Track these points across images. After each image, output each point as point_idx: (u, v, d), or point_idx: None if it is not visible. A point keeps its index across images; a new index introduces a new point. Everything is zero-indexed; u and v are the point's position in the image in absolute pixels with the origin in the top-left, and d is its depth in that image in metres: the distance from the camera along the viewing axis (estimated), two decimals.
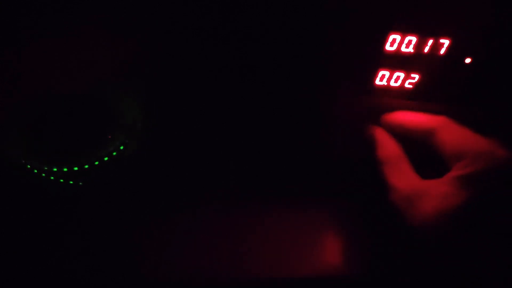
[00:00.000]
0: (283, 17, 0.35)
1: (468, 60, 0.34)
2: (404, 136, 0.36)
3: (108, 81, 0.44)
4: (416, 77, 0.36)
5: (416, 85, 0.36)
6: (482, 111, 0.36)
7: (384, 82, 0.36)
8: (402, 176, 0.33)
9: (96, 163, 0.41)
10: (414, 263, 0.36)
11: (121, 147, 0.43)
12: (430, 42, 0.34)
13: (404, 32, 0.33)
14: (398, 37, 0.34)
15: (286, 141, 0.44)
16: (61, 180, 0.41)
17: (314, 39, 0.36)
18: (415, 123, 0.35)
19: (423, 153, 0.34)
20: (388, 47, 0.34)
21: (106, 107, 0.44)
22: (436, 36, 0.33)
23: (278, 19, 0.35)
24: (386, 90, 0.36)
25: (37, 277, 0.37)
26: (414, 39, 0.34)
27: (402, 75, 0.36)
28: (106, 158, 0.42)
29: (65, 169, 0.40)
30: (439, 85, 0.36)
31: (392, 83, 0.36)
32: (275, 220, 0.42)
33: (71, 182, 0.41)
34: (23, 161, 0.40)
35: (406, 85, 0.36)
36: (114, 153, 0.42)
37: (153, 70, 0.43)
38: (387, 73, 0.36)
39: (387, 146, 0.36)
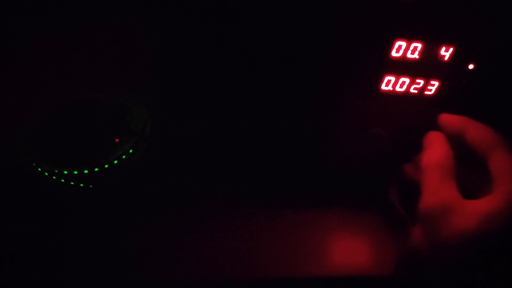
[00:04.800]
0: (290, 22, 0.36)
1: (471, 66, 0.35)
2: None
3: (117, 86, 0.45)
4: (421, 82, 0.37)
5: (421, 90, 0.37)
6: (485, 115, 0.37)
7: (389, 87, 0.37)
8: (440, 188, 0.31)
9: (106, 166, 0.42)
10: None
11: (130, 151, 0.43)
12: (435, 48, 0.35)
13: (409, 39, 0.34)
14: (403, 44, 0.35)
15: (290, 143, 0.45)
16: (72, 183, 0.42)
17: (320, 44, 0.36)
18: (476, 140, 0.32)
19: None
20: (394, 53, 0.35)
21: (115, 111, 0.45)
22: (441, 43, 0.34)
23: (285, 24, 0.36)
24: (392, 95, 0.37)
25: (45, 278, 0.37)
26: (419, 45, 0.35)
27: (407, 80, 0.37)
28: (115, 161, 0.42)
29: (76, 172, 0.41)
30: (444, 90, 0.37)
31: (397, 88, 0.37)
32: (276, 221, 0.43)
33: (82, 185, 0.42)
34: (34, 164, 0.41)
35: (412, 90, 0.37)
36: (124, 157, 0.43)
37: (161, 76, 0.44)
38: (392, 79, 0.36)
39: (435, 152, 0.33)
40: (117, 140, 0.44)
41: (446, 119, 0.35)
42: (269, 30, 0.37)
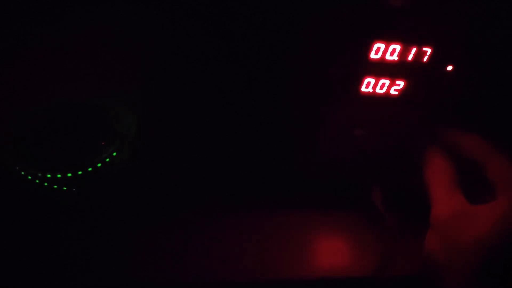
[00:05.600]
0: (268, 27, 0.36)
1: (450, 68, 0.35)
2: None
3: (102, 88, 0.45)
4: (401, 84, 0.37)
5: (401, 91, 0.37)
6: (464, 117, 0.38)
7: (369, 89, 0.37)
8: (448, 197, 0.33)
9: (90, 169, 0.42)
10: None
11: (114, 154, 0.43)
12: (414, 50, 0.35)
13: (388, 41, 0.35)
14: (382, 46, 0.35)
15: (276, 147, 0.45)
16: (55, 186, 0.42)
17: (299, 46, 0.37)
18: (471, 151, 0.34)
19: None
20: (373, 55, 0.35)
21: (100, 114, 0.45)
22: (419, 44, 0.35)
23: (265, 29, 0.37)
24: (372, 97, 0.37)
25: (28, 283, 0.37)
26: (398, 47, 0.35)
27: (387, 82, 0.37)
28: (99, 165, 0.42)
29: (59, 175, 0.41)
30: (423, 92, 0.37)
31: (377, 90, 0.37)
32: (261, 224, 0.43)
33: (65, 188, 0.42)
34: (17, 168, 0.41)
35: (392, 92, 0.37)
36: (108, 160, 0.43)
37: (146, 78, 0.44)
38: (372, 80, 0.37)
39: (437, 165, 0.35)
40: (103, 143, 0.44)
41: (440, 132, 0.37)
42: (251, 34, 0.37)
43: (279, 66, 0.38)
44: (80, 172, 0.41)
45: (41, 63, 0.42)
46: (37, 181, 0.41)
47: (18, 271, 0.37)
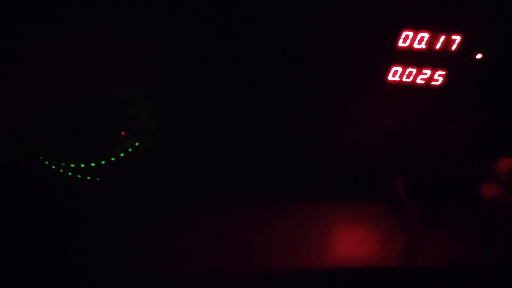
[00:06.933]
0: (296, 16, 0.36)
1: (479, 56, 0.35)
2: None
3: (124, 81, 0.45)
4: (428, 72, 0.36)
5: (428, 80, 0.37)
6: (493, 106, 0.37)
7: (396, 78, 0.37)
8: None
9: (113, 159, 0.42)
10: None
11: (136, 144, 0.43)
12: (442, 38, 0.34)
13: (416, 29, 0.34)
14: (410, 34, 0.34)
15: (296, 139, 0.44)
16: (79, 176, 0.42)
17: (327, 35, 0.36)
18: None
19: None
20: (401, 43, 0.35)
21: (122, 105, 0.45)
22: (448, 32, 0.34)
23: (291, 18, 0.36)
24: (398, 85, 0.37)
25: (51, 271, 0.37)
26: (426, 35, 0.34)
27: (414, 71, 0.36)
28: (122, 155, 0.42)
29: (83, 165, 0.41)
30: (451, 80, 0.37)
31: (404, 79, 0.37)
32: (281, 215, 0.43)
33: (89, 178, 0.42)
34: (41, 158, 0.41)
35: (418, 80, 0.37)
36: (130, 150, 0.43)
37: (165, 71, 0.44)
38: (399, 69, 0.36)
39: None
40: (123, 133, 0.44)
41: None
42: (275, 23, 0.37)
43: (306, 54, 0.38)
44: (103, 162, 0.42)
45: (64, 59, 0.42)
46: (61, 171, 0.41)
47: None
